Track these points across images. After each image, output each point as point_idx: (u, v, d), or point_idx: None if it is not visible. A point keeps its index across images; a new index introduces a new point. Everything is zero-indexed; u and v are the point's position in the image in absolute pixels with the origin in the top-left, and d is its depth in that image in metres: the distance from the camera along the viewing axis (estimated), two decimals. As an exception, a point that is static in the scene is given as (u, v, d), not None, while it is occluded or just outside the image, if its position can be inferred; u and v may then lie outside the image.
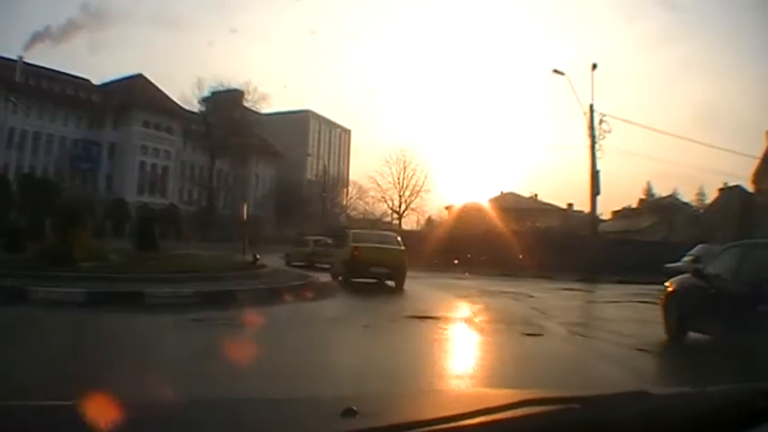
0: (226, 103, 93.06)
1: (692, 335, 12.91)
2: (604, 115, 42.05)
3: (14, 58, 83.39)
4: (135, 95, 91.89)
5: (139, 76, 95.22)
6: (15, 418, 2.08)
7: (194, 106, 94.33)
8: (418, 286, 25.66)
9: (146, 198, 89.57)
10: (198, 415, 2.36)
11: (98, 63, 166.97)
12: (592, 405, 2.22)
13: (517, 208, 74.99)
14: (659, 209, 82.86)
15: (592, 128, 41.51)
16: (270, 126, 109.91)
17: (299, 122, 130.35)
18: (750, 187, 72.02)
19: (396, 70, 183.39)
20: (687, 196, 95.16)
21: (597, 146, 41.87)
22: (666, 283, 14.78)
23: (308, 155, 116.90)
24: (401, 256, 26.05)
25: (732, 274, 12.05)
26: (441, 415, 2.03)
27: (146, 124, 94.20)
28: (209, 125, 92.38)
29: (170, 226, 77.44)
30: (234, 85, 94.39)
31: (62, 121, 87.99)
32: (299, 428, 2.24)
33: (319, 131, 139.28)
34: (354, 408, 2.05)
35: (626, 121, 49.59)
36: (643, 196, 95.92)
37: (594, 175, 41.69)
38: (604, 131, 41.76)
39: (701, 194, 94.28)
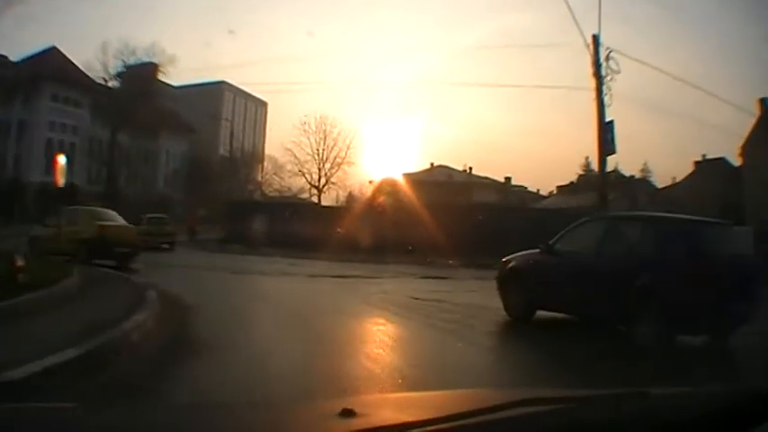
0: (137, 75, 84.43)
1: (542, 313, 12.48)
2: (612, 50, 30.61)
3: None
4: (44, 68, 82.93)
5: (52, 49, 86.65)
6: (19, 421, 2.01)
7: (100, 76, 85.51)
8: (373, 311, 15.66)
9: (52, 178, 78.87)
10: (197, 418, 2.29)
11: (23, 39, 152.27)
12: (589, 404, 2.27)
13: (450, 182, 70.21)
14: (616, 183, 74.41)
15: (597, 65, 29.82)
16: (183, 99, 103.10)
17: (213, 94, 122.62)
18: (737, 160, 65.98)
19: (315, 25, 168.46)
20: (630, 172, 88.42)
21: (605, 89, 29.32)
22: (503, 260, 14.04)
23: (226, 119, 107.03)
24: (136, 235, 26.34)
25: (597, 249, 11.51)
26: (438, 415, 1.99)
27: (54, 98, 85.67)
28: (115, 97, 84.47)
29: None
30: (140, 49, 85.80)
31: None
32: (298, 429, 2.20)
33: (234, 104, 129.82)
34: (352, 408, 2.00)
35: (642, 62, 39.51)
36: (581, 171, 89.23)
37: (606, 126, 29.47)
38: (612, 72, 29.79)
39: (645, 170, 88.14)
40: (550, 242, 12.83)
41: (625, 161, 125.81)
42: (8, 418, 2.05)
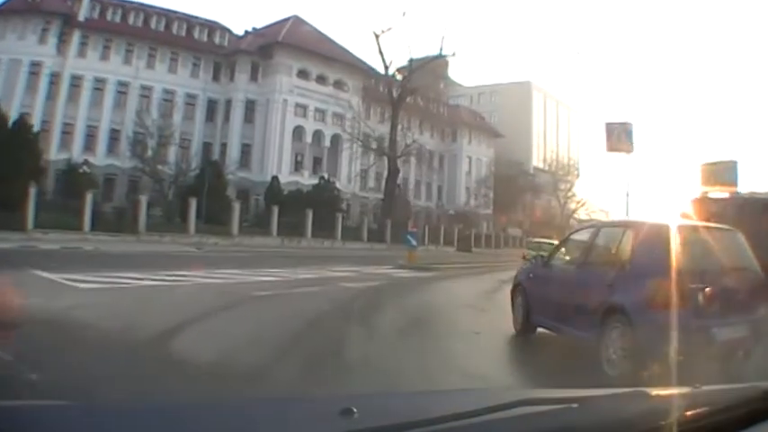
0: (426, 69, 58.52)
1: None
2: None
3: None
4: (284, 38, 55.25)
5: (293, 19, 58.93)
6: (15, 419, 1.80)
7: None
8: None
9: (306, 179, 52.22)
10: (197, 415, 2.10)
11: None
12: (590, 404, 2.14)
13: None
14: None
15: None
16: (482, 99, 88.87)
17: (518, 96, 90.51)
18: None
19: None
20: None
21: None
22: (518, 270, 12.40)
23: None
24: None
25: (580, 261, 9.52)
26: (439, 415, 1.86)
27: (302, 75, 56.13)
28: (390, 82, 54.98)
29: (321, 214, 42.45)
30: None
31: (165, 69, 52.11)
32: (298, 428, 2.00)
33: (545, 108, 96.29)
34: (352, 407, 1.86)
35: None
36: None
37: None
38: None
39: None
40: (550, 252, 11.25)
41: None
42: (3, 416, 1.80)
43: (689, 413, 2.03)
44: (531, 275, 11.02)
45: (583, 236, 10.13)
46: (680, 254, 7.72)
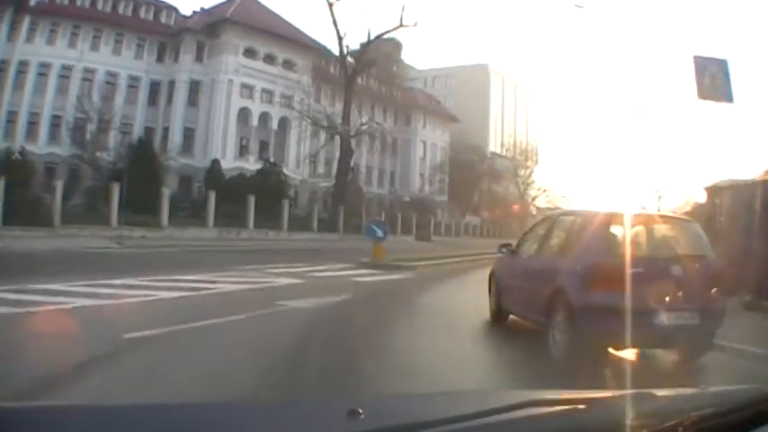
0: (379, 51, 58.98)
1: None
2: None
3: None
4: (232, 15, 52.49)
5: (244, -4, 56.66)
6: (16, 419, 1.80)
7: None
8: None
9: (251, 164, 49.58)
10: (201, 416, 2.10)
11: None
12: (597, 406, 2.18)
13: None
14: None
15: None
16: (438, 83, 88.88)
17: (475, 79, 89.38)
18: None
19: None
20: None
21: None
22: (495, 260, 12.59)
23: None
24: None
25: (538, 249, 9.93)
26: (445, 416, 1.87)
27: (249, 54, 53.76)
28: (360, 61, 51.21)
29: (266, 201, 38.43)
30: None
31: (109, 51, 49.51)
32: (304, 429, 2.02)
33: (502, 91, 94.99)
34: (358, 409, 1.86)
35: None
36: None
37: None
38: None
39: None
40: (518, 241, 11.35)
41: None
42: (6, 417, 1.79)
43: (694, 414, 2.02)
44: (502, 264, 11.42)
45: (544, 225, 10.43)
46: (624, 240, 7.97)
